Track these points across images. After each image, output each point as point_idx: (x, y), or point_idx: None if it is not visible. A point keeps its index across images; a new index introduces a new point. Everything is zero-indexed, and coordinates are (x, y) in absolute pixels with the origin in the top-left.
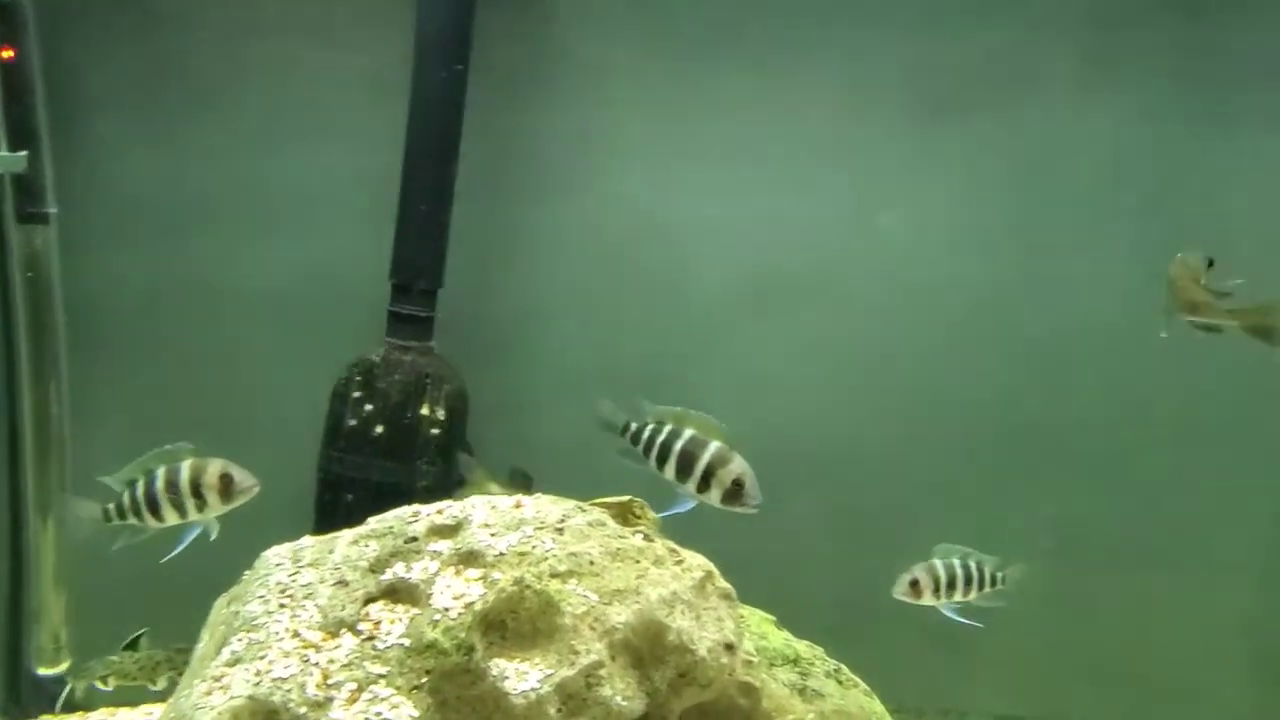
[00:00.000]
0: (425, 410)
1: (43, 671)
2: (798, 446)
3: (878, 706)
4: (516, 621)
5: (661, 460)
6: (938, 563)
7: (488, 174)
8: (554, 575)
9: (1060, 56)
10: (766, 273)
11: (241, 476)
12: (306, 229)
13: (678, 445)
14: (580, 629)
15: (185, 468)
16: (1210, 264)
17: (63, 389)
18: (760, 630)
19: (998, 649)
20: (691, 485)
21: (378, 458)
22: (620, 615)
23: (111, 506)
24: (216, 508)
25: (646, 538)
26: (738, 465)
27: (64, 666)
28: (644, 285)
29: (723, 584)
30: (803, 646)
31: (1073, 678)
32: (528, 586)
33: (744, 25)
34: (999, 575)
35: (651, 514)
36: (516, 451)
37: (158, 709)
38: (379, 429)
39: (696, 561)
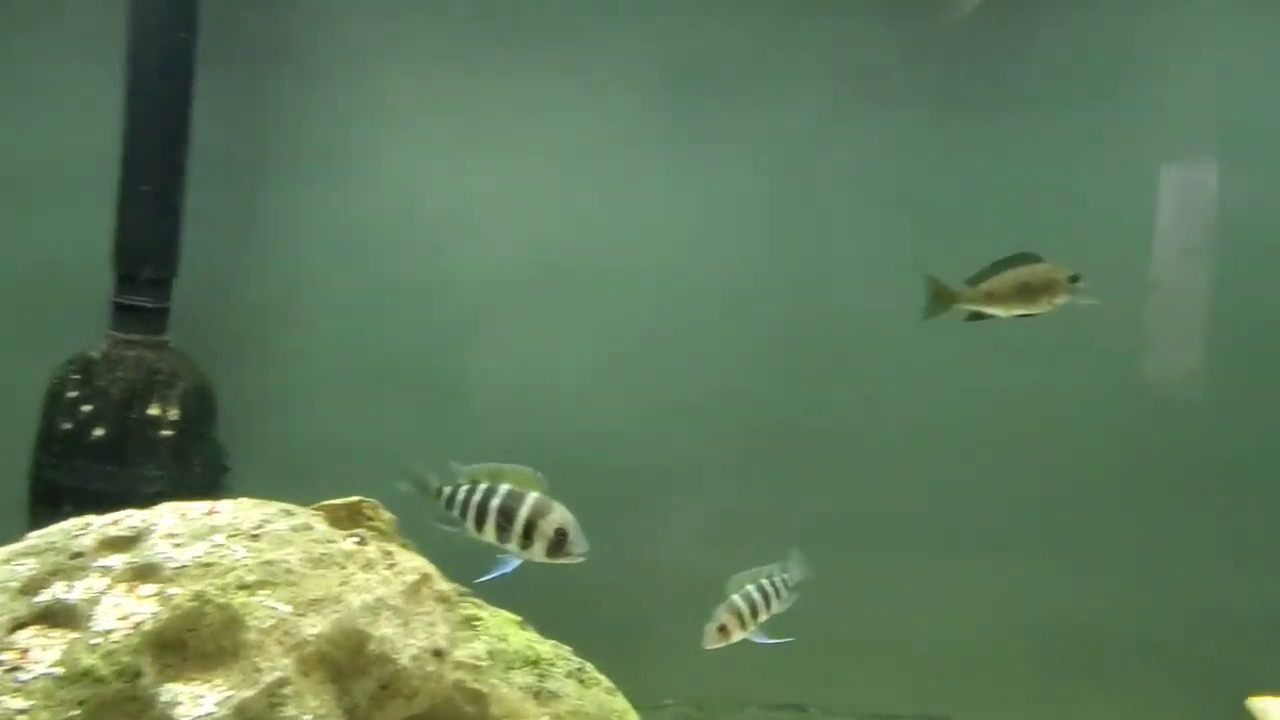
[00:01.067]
0: (155, 410)
1: None
2: (568, 440)
3: (619, 703)
4: (197, 640)
5: (480, 521)
6: (737, 599)
7: (233, 154)
8: (242, 587)
9: (820, 47)
10: (535, 263)
11: None
12: (17, 211)
13: (494, 502)
14: (266, 645)
15: None
16: (1075, 279)
17: None
18: (500, 632)
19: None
20: (514, 542)
21: (98, 463)
22: (315, 627)
23: None
24: None
25: (361, 541)
26: (559, 514)
27: None
28: (406, 275)
29: (441, 586)
30: (546, 647)
31: (846, 661)
32: (209, 601)
33: (518, 1)
34: (787, 577)
35: (385, 514)
36: (275, 452)
37: None
38: (99, 431)
39: (412, 564)
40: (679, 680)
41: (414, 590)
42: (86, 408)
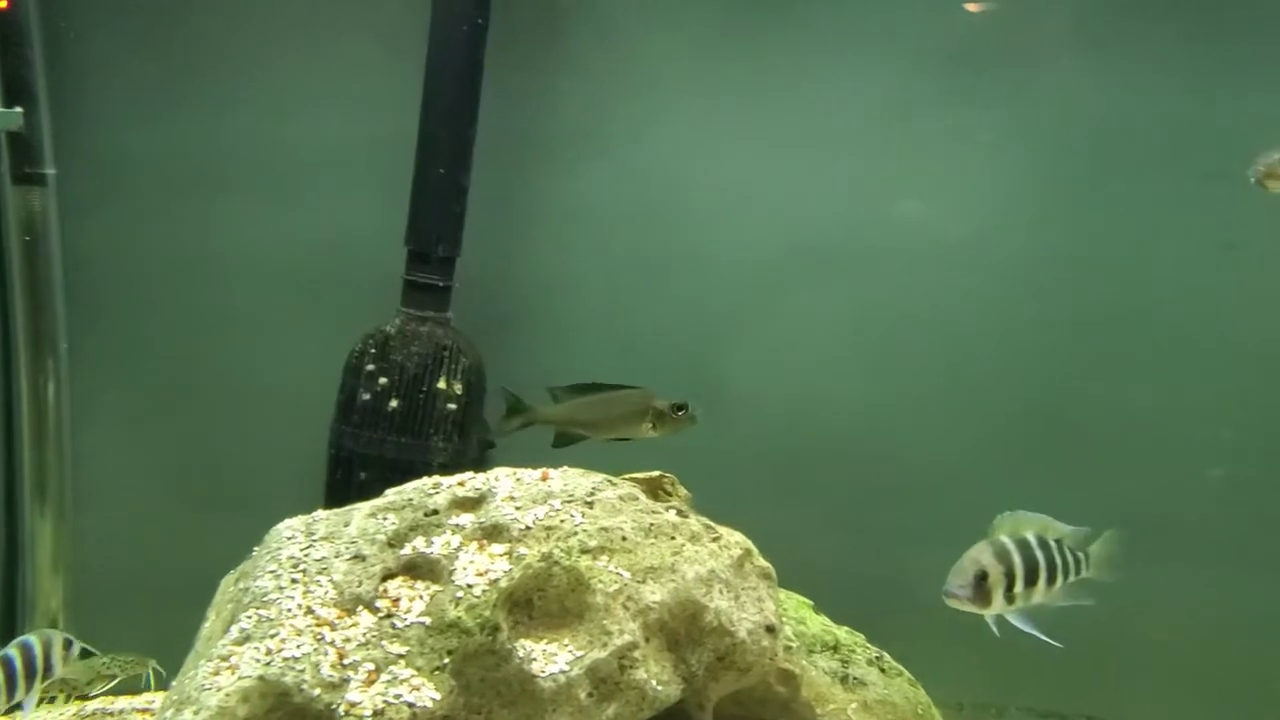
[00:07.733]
0: (442, 384)
1: None
2: (827, 427)
3: (923, 696)
4: (544, 600)
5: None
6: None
7: (503, 139)
8: (584, 551)
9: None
10: (802, 243)
11: None
12: (317, 197)
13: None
14: (613, 608)
15: None
16: None
17: (61, 364)
18: (798, 615)
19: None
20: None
21: (393, 433)
22: (655, 594)
23: None
24: None
25: (680, 513)
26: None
27: None
28: (668, 254)
29: (762, 562)
30: (842, 632)
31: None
32: (556, 563)
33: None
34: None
35: (683, 490)
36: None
37: (159, 697)
38: (394, 403)
39: (734, 539)
40: (934, 680)
41: (739, 564)
42: (383, 380)
